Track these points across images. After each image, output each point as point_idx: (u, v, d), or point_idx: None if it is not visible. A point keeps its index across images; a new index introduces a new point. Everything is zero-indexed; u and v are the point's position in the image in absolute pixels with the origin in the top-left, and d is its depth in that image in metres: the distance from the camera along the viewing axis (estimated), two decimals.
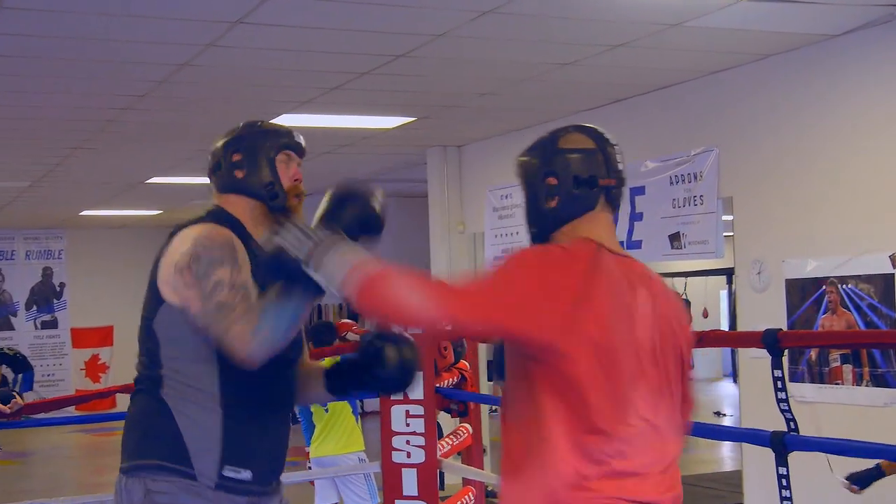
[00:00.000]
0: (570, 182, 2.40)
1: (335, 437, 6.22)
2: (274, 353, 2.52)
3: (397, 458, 4.94)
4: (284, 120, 8.34)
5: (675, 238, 7.27)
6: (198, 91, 7.35)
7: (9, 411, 4.14)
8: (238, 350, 2.48)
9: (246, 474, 2.64)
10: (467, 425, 5.54)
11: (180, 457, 2.60)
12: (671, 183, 7.35)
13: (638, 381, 2.28)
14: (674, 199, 7.31)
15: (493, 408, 15.22)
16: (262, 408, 2.73)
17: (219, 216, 2.75)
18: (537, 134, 2.53)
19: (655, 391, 2.32)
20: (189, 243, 2.61)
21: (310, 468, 6.29)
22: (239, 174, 2.76)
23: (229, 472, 2.62)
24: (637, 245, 7.49)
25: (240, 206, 2.75)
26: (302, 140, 2.89)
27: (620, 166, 2.45)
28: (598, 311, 2.24)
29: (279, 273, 2.41)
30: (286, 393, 2.81)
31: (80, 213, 15.40)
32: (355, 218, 2.47)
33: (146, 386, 2.70)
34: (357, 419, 6.24)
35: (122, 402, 15.95)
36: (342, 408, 6.19)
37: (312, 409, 6.24)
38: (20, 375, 14.49)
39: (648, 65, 6.92)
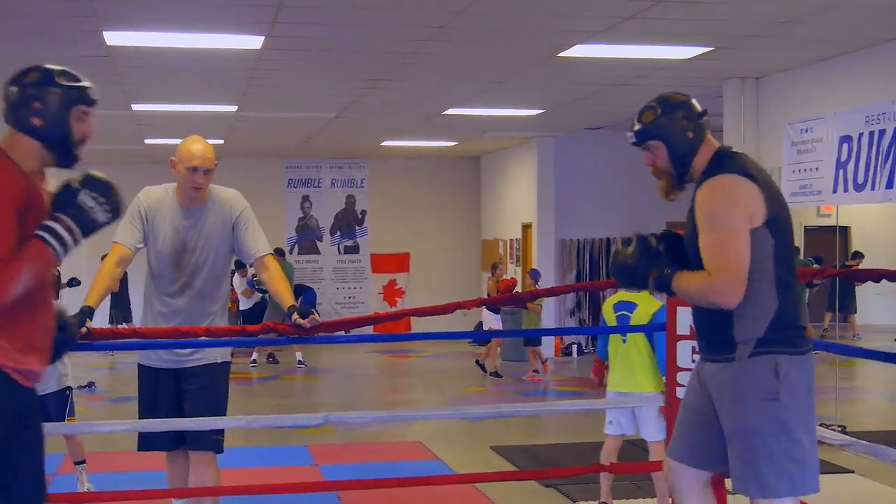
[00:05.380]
0: None
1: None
2: None
3: (683, 394, 4.88)
4: (578, 51, 8.32)
5: None
6: (493, 22, 7.46)
7: (307, 326, 4.39)
8: None
9: None
10: None
11: None
12: None
13: None
14: None
15: None
16: None
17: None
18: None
19: None
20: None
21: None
22: None
23: None
24: None
25: None
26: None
27: None
28: None
29: None
30: None
31: (381, 144, 16.07)
32: None
33: None
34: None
35: (417, 326, 16.43)
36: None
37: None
38: (300, 298, 15.85)
39: None
